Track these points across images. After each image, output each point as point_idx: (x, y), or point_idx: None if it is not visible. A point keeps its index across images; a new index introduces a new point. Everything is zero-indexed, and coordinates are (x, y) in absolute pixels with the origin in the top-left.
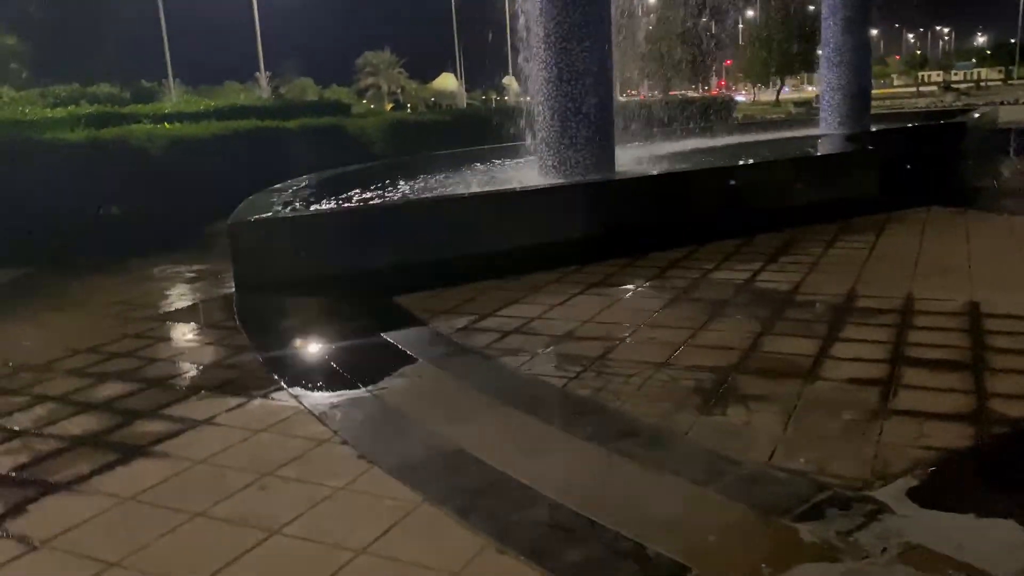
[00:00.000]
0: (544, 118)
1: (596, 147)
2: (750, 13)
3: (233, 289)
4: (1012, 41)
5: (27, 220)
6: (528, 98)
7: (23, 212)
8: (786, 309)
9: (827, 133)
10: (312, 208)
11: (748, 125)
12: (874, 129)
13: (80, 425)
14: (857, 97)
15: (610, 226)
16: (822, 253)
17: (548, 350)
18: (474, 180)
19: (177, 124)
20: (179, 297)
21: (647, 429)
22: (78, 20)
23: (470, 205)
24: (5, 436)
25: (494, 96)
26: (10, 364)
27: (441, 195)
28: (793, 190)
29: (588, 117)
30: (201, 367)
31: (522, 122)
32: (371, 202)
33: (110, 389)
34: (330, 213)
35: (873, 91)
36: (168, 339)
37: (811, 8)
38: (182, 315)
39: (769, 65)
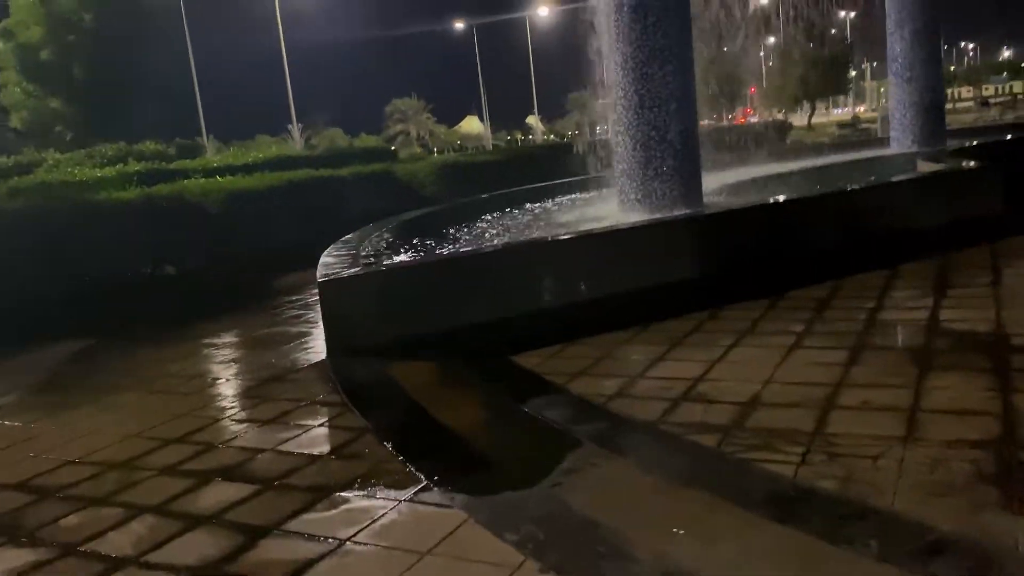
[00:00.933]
0: (625, 148)
1: (683, 177)
2: (772, 39)
3: (324, 355)
4: None
5: (85, 285)
6: (587, 131)
7: (81, 276)
8: (1010, 356)
9: (902, 152)
10: (404, 259)
11: (807, 149)
12: (976, 143)
13: (192, 550)
14: (931, 113)
15: (731, 262)
16: (993, 282)
17: (742, 424)
18: (553, 218)
19: (229, 177)
20: (264, 367)
21: (958, 542)
22: (113, 77)
23: (578, 247)
24: (103, 569)
25: (519, 136)
26: (91, 462)
27: (543, 237)
28: (918, 213)
29: (673, 145)
30: (319, 459)
31: (580, 156)
32: (465, 249)
33: (216, 494)
34: (426, 264)
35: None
36: (267, 422)
37: (833, 31)
38: (274, 390)
39: (800, 89)
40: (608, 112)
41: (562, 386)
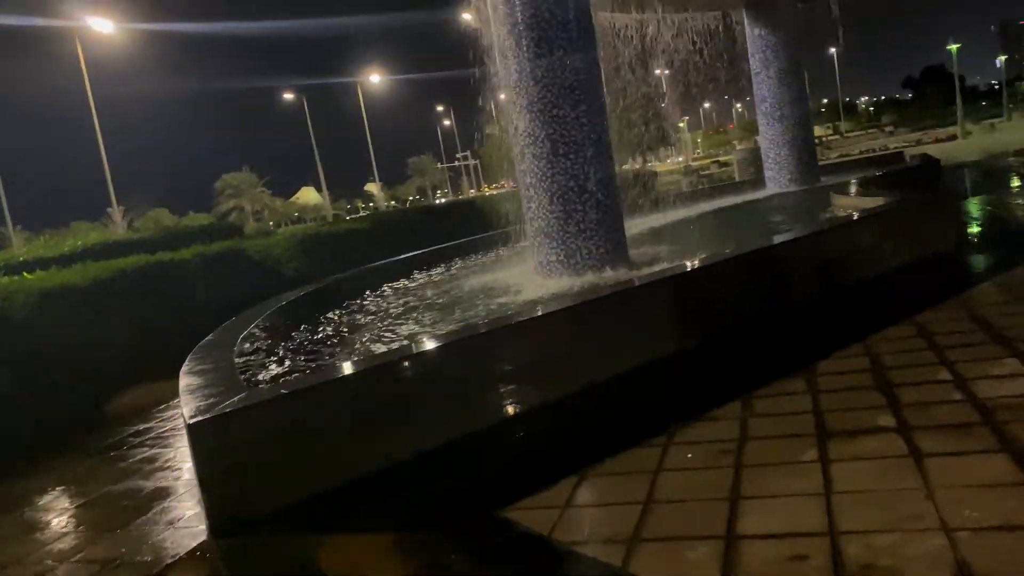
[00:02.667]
0: (539, 202)
1: (608, 232)
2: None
3: (204, 534)
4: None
5: None
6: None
7: None
8: None
9: (784, 190)
10: (306, 372)
11: (679, 196)
12: (871, 175)
13: None
14: (804, 151)
15: (711, 332)
16: None
17: None
18: (465, 287)
19: (41, 272)
20: (109, 567)
21: None
22: None
23: (540, 327)
24: None
25: (360, 204)
26: None
27: (506, 319)
28: (886, 252)
29: (595, 196)
30: None
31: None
32: (398, 348)
33: None
34: (348, 377)
35: (721, 158)
36: None
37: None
38: None
39: (635, 142)
40: (516, 162)
41: (610, 566)
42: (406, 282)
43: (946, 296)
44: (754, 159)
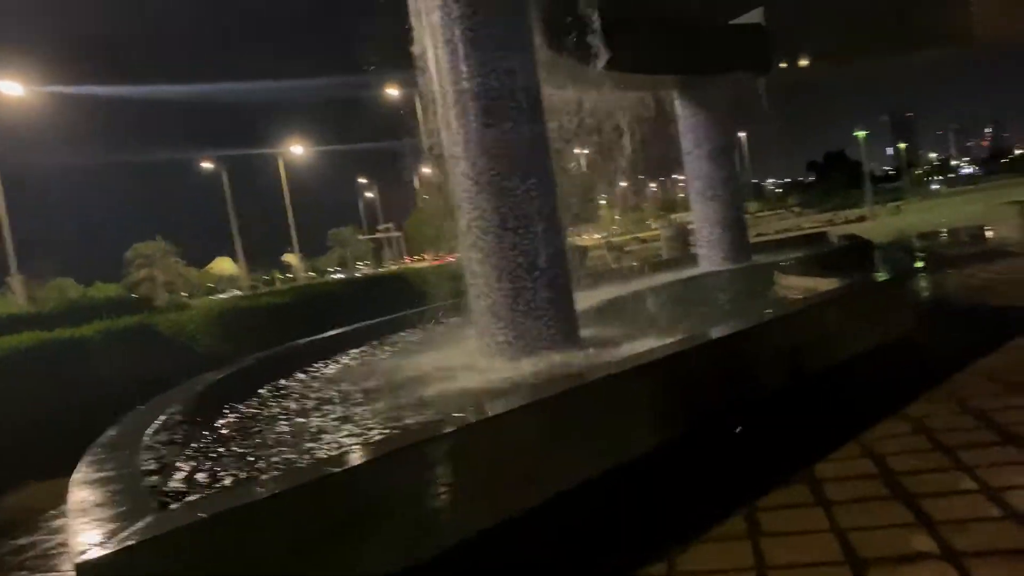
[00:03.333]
0: (486, 280)
1: (559, 311)
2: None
3: None
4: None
5: None
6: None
7: None
8: None
9: (717, 269)
10: (236, 487)
11: (611, 273)
12: (807, 254)
13: None
14: (736, 229)
15: (686, 425)
16: None
17: None
18: (403, 369)
19: None
20: None
21: None
22: None
23: (511, 424)
24: None
25: (278, 275)
26: None
27: (446, 421)
28: (850, 335)
29: (546, 273)
30: None
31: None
32: (335, 459)
33: None
34: (294, 489)
35: (641, 235)
36: None
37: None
38: None
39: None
40: (460, 236)
41: None
42: (335, 363)
43: (928, 384)
44: (681, 236)
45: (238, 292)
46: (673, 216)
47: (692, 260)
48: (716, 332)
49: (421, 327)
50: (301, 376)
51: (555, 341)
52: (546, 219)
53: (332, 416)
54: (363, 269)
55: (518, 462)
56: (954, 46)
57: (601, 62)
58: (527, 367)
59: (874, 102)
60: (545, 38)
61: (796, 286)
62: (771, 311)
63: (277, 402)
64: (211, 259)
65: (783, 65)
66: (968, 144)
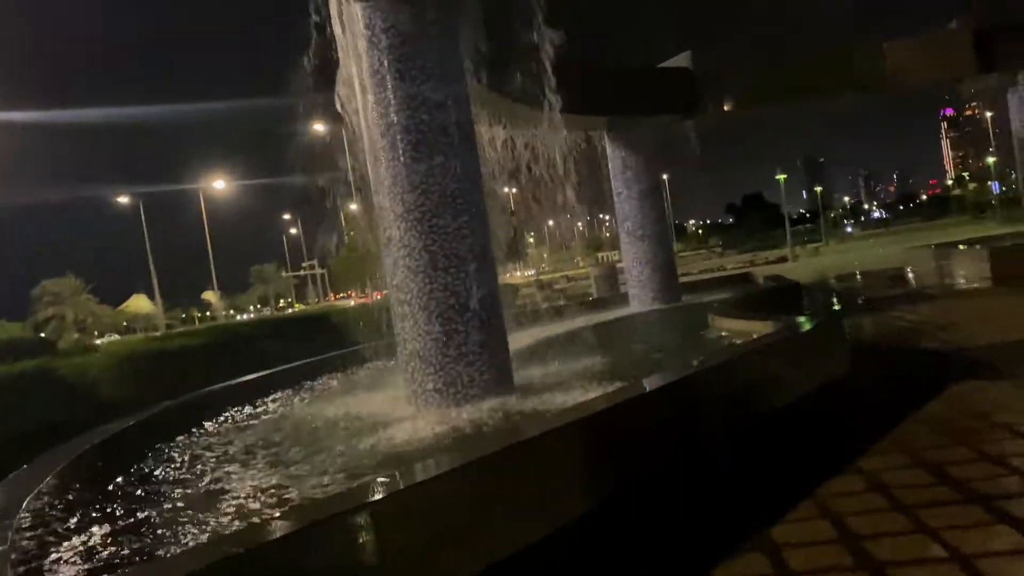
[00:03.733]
0: (414, 321)
1: (492, 355)
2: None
3: None
4: None
5: None
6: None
7: None
8: None
9: (647, 309)
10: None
11: (542, 311)
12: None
13: None
14: (666, 269)
15: (624, 479)
16: None
17: None
18: (317, 428)
19: None
20: None
21: None
22: None
23: (436, 489)
24: None
25: (196, 313)
26: None
27: (370, 486)
28: (789, 379)
29: (478, 316)
30: None
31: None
32: (238, 536)
33: None
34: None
35: (569, 273)
36: None
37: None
38: None
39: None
40: (387, 275)
41: None
42: (249, 411)
43: (875, 434)
44: (611, 275)
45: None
46: (600, 254)
47: (622, 299)
48: (657, 379)
49: (344, 371)
50: (208, 427)
51: (487, 387)
52: (479, 258)
53: (235, 478)
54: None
55: (445, 531)
56: (869, 92)
57: (554, 108)
58: (459, 417)
59: (787, 147)
60: (479, 74)
61: (731, 328)
62: (712, 356)
63: (180, 459)
64: (127, 297)
65: (706, 109)
66: (876, 189)
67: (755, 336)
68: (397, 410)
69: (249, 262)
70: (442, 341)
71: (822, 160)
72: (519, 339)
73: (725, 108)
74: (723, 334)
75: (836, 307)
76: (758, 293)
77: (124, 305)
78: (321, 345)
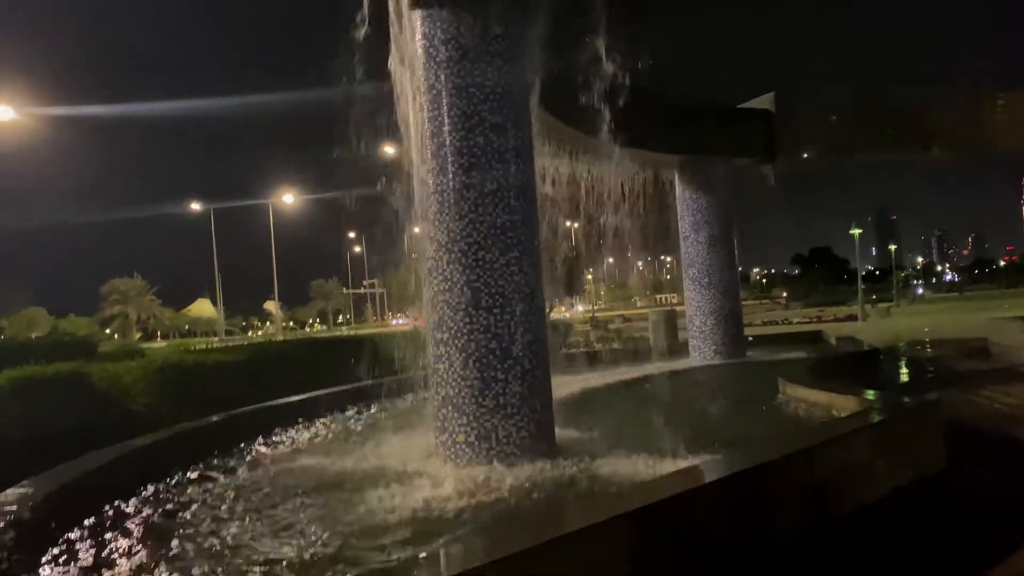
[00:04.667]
0: (450, 364)
1: (532, 409)
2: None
3: None
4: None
5: None
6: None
7: None
8: None
9: (709, 363)
10: None
11: (602, 355)
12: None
13: None
14: (731, 321)
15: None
16: None
17: None
18: (326, 483)
19: None
20: None
21: None
22: None
23: None
24: None
25: (256, 322)
26: None
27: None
28: (880, 471)
29: (521, 364)
30: None
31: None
32: None
33: None
34: None
35: (625, 312)
36: None
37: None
38: None
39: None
40: (426, 311)
41: None
42: (262, 448)
43: (993, 552)
44: (669, 321)
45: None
46: (658, 296)
47: (682, 348)
48: (728, 464)
49: (380, 402)
50: (218, 461)
51: (525, 447)
52: (527, 299)
53: (231, 530)
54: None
55: None
56: (959, 152)
57: (619, 142)
58: (488, 478)
59: (859, 202)
60: (545, 98)
61: (806, 399)
62: (788, 438)
63: (177, 502)
64: (191, 301)
65: (786, 155)
66: (949, 251)
67: (836, 413)
68: (420, 464)
69: (313, 276)
70: (478, 389)
71: (895, 217)
72: (566, 385)
73: (804, 155)
74: (795, 405)
75: (921, 383)
76: (833, 357)
77: (187, 308)
78: (355, 369)
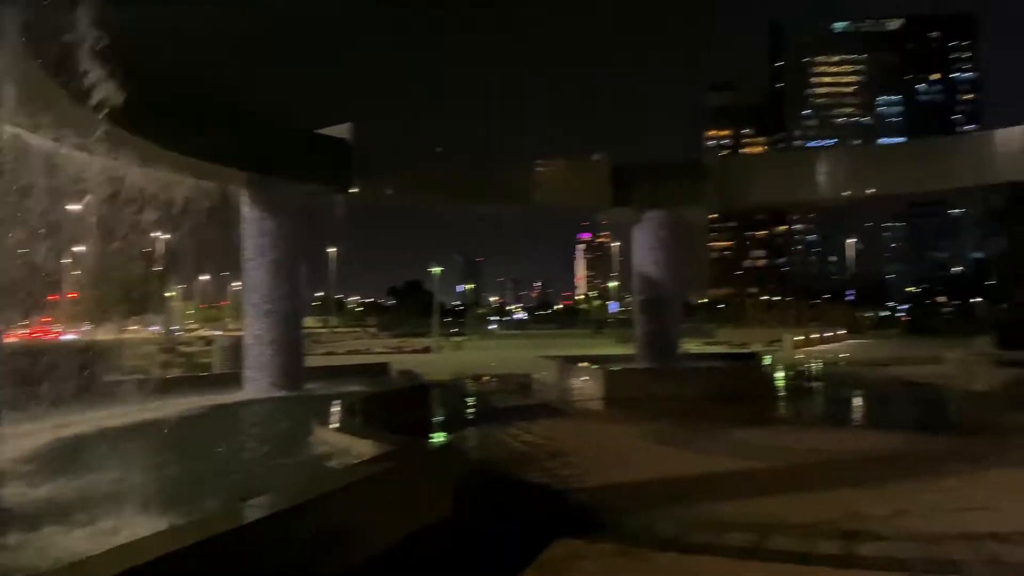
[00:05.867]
0: None
1: None
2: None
3: None
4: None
5: None
6: None
7: None
8: None
9: (261, 396)
10: None
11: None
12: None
13: None
14: (290, 352)
15: None
16: None
17: None
18: None
19: None
20: None
21: None
22: None
23: None
24: None
25: None
26: None
27: None
28: (380, 523)
29: None
30: None
31: None
32: None
33: None
34: None
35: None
36: None
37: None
38: None
39: (113, 304)
40: None
41: None
42: None
43: None
44: (237, 349)
45: None
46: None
47: (238, 379)
48: (203, 528)
49: None
50: None
51: None
52: None
53: None
54: None
55: None
56: (514, 206)
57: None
58: None
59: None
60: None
61: (332, 443)
62: (276, 496)
63: None
64: None
65: (360, 188)
66: (521, 293)
67: (354, 459)
68: None
69: None
70: None
71: (480, 260)
72: (78, 424)
73: (380, 191)
74: (323, 448)
75: (451, 422)
76: (385, 393)
77: None
78: None
